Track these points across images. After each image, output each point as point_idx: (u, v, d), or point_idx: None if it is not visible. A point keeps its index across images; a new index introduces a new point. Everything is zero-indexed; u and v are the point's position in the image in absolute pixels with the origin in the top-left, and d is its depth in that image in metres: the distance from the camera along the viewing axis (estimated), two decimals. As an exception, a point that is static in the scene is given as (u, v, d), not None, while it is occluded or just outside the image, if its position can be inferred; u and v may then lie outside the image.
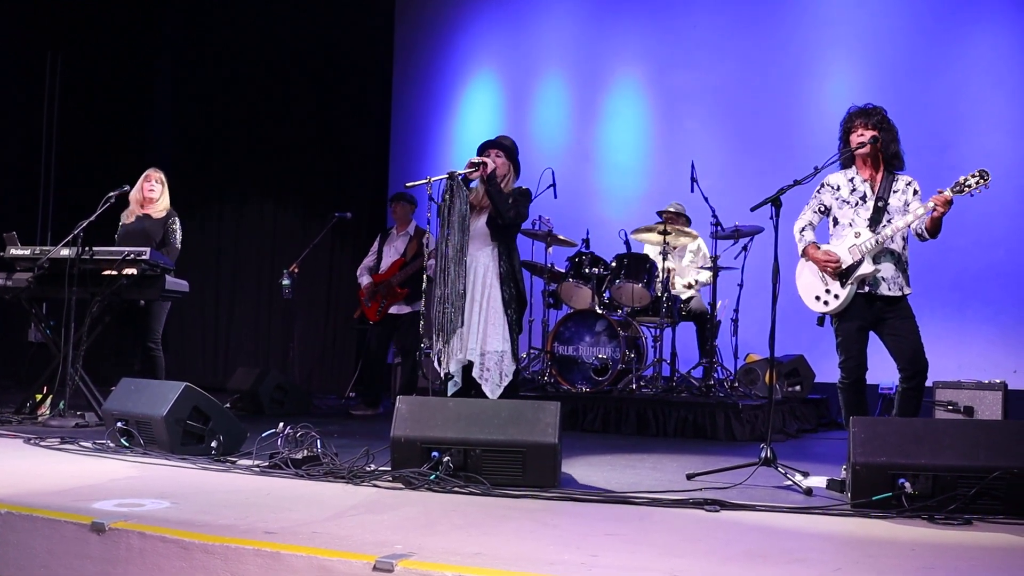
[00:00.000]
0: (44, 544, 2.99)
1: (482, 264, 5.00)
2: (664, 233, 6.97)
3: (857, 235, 4.37)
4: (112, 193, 6.17)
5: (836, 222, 4.50)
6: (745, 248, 7.20)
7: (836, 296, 4.40)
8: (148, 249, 5.88)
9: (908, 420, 3.98)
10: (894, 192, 4.40)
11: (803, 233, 4.55)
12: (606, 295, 7.23)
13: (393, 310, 7.54)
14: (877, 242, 4.32)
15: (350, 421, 6.99)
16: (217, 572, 2.71)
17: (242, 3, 10.68)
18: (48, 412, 5.85)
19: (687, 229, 7.28)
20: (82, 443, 4.74)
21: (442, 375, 4.92)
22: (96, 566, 2.89)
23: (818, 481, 4.11)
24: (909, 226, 4.35)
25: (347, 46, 10.41)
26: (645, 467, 4.75)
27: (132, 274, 5.83)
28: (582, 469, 4.51)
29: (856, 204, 4.43)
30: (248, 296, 10.67)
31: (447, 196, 4.79)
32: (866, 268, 4.34)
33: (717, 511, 3.46)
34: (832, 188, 4.51)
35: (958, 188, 4.21)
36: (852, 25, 8.53)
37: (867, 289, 4.37)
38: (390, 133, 10.67)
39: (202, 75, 10.89)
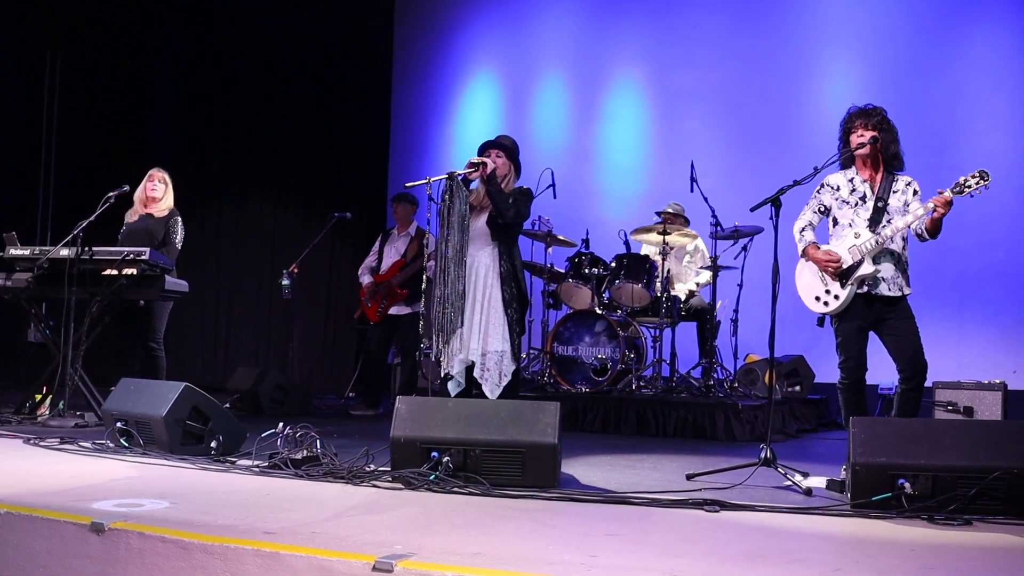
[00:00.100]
0: (43, 544, 2.99)
1: (483, 264, 4.99)
2: (664, 233, 6.97)
3: (857, 235, 4.37)
4: (112, 193, 6.17)
5: (836, 222, 4.50)
6: (745, 248, 7.19)
7: (836, 297, 4.39)
8: (147, 249, 5.88)
9: (908, 420, 3.98)
10: (894, 192, 4.40)
11: (803, 233, 4.55)
12: (606, 295, 7.23)
13: (393, 311, 7.54)
14: (877, 242, 4.32)
15: (350, 421, 6.99)
16: (216, 572, 2.70)
17: (242, 3, 10.68)
18: (48, 412, 5.85)
19: (686, 229, 7.28)
20: (81, 443, 4.74)
21: (442, 375, 4.93)
22: (95, 566, 2.89)
23: (818, 481, 4.11)
24: (909, 226, 4.35)
25: (347, 46, 10.41)
26: (645, 467, 4.75)
27: (132, 274, 5.83)
28: (582, 469, 4.51)
29: (856, 204, 4.43)
30: (248, 296, 10.67)
31: (447, 196, 4.79)
32: (866, 268, 4.33)
33: (717, 511, 3.46)
34: (832, 188, 4.51)
35: (958, 189, 4.20)
36: (852, 25, 8.53)
37: (866, 289, 4.36)
38: (390, 133, 10.67)
39: (202, 75, 10.89)
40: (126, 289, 5.90)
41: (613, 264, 7.14)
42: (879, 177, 4.44)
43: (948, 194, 4.19)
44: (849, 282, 4.36)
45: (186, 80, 10.99)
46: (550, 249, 7.68)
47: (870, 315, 4.39)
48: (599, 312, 6.96)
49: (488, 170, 4.95)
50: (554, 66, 9.91)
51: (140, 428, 4.59)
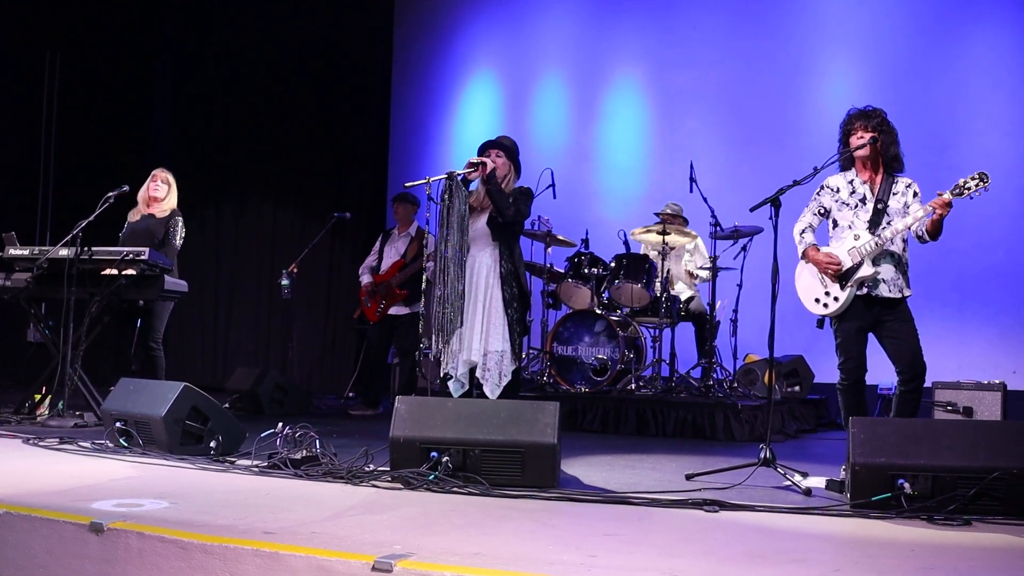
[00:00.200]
0: (43, 544, 2.98)
1: (484, 265, 4.99)
2: (663, 234, 6.97)
3: (857, 237, 4.37)
4: (111, 193, 6.17)
5: (835, 224, 4.50)
6: (744, 248, 7.20)
7: (836, 299, 4.39)
8: (147, 249, 5.88)
9: (907, 420, 3.98)
10: (894, 194, 4.40)
11: (803, 235, 4.54)
12: (605, 295, 7.23)
13: (392, 311, 7.54)
14: (877, 244, 4.32)
15: (349, 421, 6.99)
16: (216, 572, 2.70)
17: (242, 3, 10.68)
18: (47, 412, 5.85)
19: (686, 229, 7.28)
20: (81, 443, 4.73)
21: (441, 375, 4.93)
22: (95, 566, 2.89)
23: (817, 481, 4.11)
24: (909, 228, 4.35)
25: (347, 46, 10.41)
26: (644, 467, 4.75)
27: (131, 274, 5.83)
28: (581, 469, 4.51)
29: (856, 206, 4.43)
30: (247, 296, 10.67)
31: (446, 196, 4.79)
32: (866, 270, 4.33)
33: (716, 511, 3.46)
34: (832, 190, 4.51)
35: (957, 191, 4.20)
36: (852, 25, 8.53)
37: (866, 291, 4.36)
38: (389, 133, 10.68)
39: (202, 75, 10.89)
40: (125, 289, 5.90)
41: (613, 264, 7.14)
42: (879, 179, 4.43)
43: (947, 196, 4.19)
44: (849, 284, 4.36)
45: (186, 80, 10.99)
46: (550, 249, 7.68)
47: (870, 316, 4.39)
48: (599, 312, 6.96)
49: (488, 170, 4.95)
50: (554, 66, 9.91)
51: (139, 428, 4.59)
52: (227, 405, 5.79)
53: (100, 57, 10.34)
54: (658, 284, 6.98)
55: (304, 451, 4.17)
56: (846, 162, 4.50)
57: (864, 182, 4.45)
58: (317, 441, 4.22)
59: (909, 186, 4.43)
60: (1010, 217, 7.64)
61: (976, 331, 7.73)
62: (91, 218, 5.98)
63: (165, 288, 6.04)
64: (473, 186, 5.08)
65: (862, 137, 4.37)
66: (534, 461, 3.82)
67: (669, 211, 7.59)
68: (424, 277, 5.02)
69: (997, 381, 6.66)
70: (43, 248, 6.03)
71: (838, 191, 4.49)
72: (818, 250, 4.46)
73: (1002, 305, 7.75)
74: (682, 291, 7.46)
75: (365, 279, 7.69)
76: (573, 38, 9.84)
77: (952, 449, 3.48)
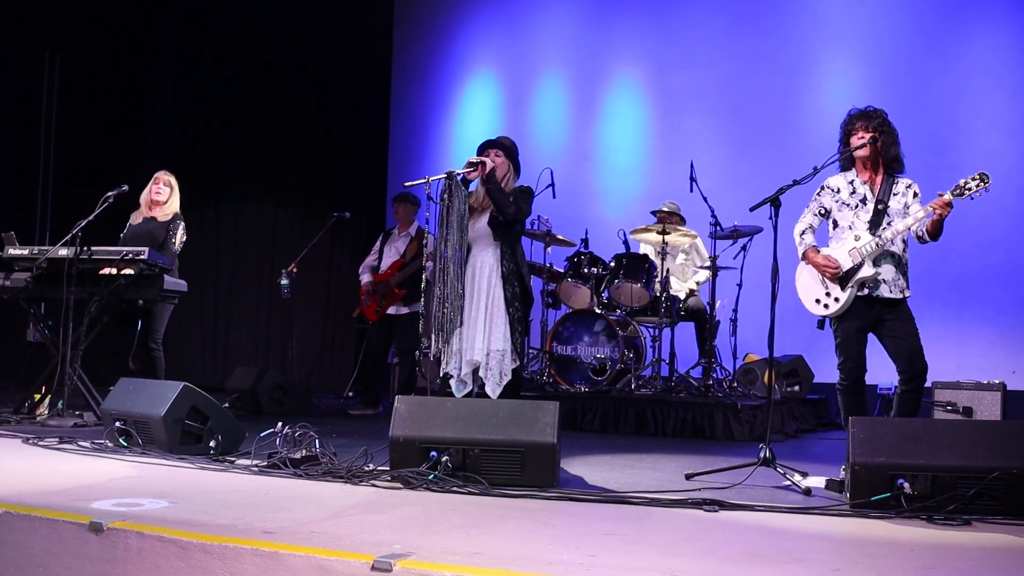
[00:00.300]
0: (42, 544, 2.98)
1: (487, 264, 4.99)
2: (663, 233, 6.97)
3: (857, 238, 4.37)
4: (110, 193, 6.17)
5: (836, 224, 4.49)
6: (744, 248, 7.19)
7: (836, 299, 4.39)
8: (146, 249, 5.88)
9: (907, 420, 3.98)
10: (894, 195, 4.39)
11: (803, 236, 4.54)
12: (605, 295, 7.23)
13: (391, 310, 7.54)
14: (877, 245, 4.31)
15: (349, 421, 6.99)
16: (215, 572, 2.70)
17: (242, 3, 10.68)
18: (46, 412, 5.85)
19: (685, 229, 7.28)
20: (80, 443, 4.73)
21: (441, 374, 4.93)
22: (94, 566, 2.88)
23: (817, 481, 4.11)
24: (909, 229, 4.35)
25: (347, 46, 10.41)
26: (644, 467, 4.75)
27: (130, 274, 5.83)
28: (581, 469, 4.51)
29: (856, 207, 4.43)
30: (247, 296, 10.67)
31: (445, 196, 4.79)
32: (866, 271, 4.33)
33: (716, 511, 3.46)
34: (832, 191, 4.51)
35: (958, 191, 4.20)
36: (852, 25, 8.53)
37: (867, 291, 4.36)
38: (389, 133, 10.68)
39: (202, 75, 10.88)
40: (125, 289, 5.90)
41: (612, 264, 7.14)
42: (879, 179, 4.43)
43: (948, 196, 4.19)
44: (849, 285, 4.36)
45: (186, 80, 10.99)
46: (549, 249, 7.68)
47: (870, 316, 4.39)
48: (598, 312, 6.96)
49: (487, 169, 4.95)
50: (553, 66, 9.91)
51: (139, 428, 4.59)
52: (227, 405, 5.79)
53: (100, 57, 10.34)
54: (657, 284, 6.98)
55: (304, 451, 4.17)
56: (846, 162, 4.49)
57: (864, 182, 4.45)
58: (316, 441, 4.22)
59: (909, 187, 4.43)
60: (1010, 217, 7.64)
61: (976, 331, 7.73)
62: (90, 217, 5.98)
63: (164, 288, 6.04)
64: (473, 186, 5.08)
65: (863, 137, 4.36)
66: (533, 461, 3.81)
67: (666, 209, 7.59)
68: (424, 276, 5.02)
69: (997, 381, 6.65)
70: (42, 248, 6.03)
71: (838, 191, 4.48)
72: (818, 252, 4.46)
73: (1002, 305, 7.74)
74: (679, 290, 7.46)
75: (365, 278, 7.69)
76: (573, 38, 9.83)
77: (952, 449, 3.48)
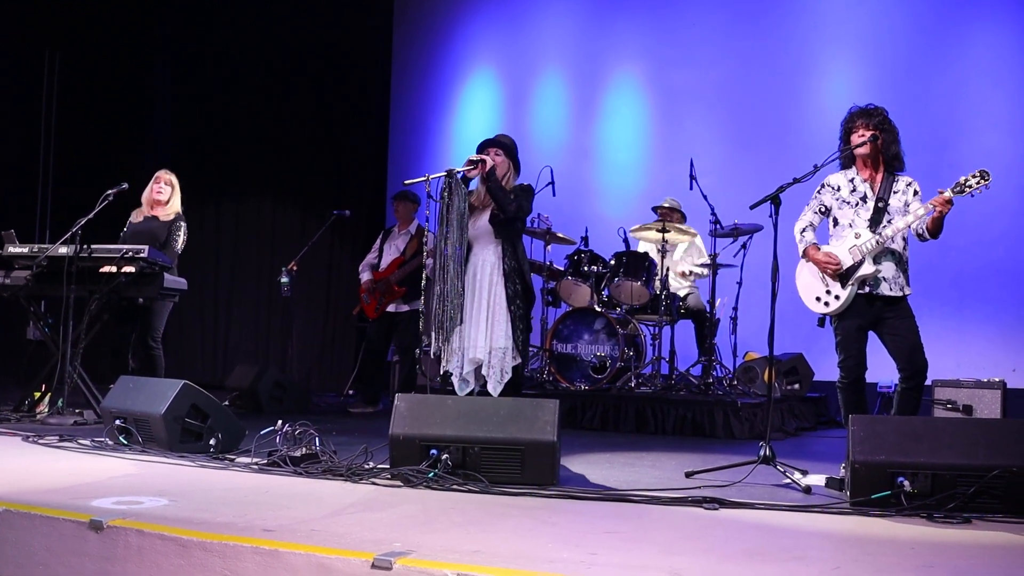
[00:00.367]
0: (42, 542, 2.99)
1: (488, 263, 4.99)
2: (663, 231, 6.96)
3: (857, 236, 4.37)
4: (110, 191, 6.17)
5: (836, 222, 4.49)
6: (744, 246, 7.19)
7: (837, 297, 4.39)
8: (146, 247, 5.88)
9: (907, 418, 3.98)
10: (894, 193, 4.40)
11: (804, 234, 4.54)
12: (605, 293, 7.23)
13: (391, 308, 7.54)
14: (878, 242, 4.31)
15: (349, 419, 6.98)
16: (215, 570, 2.70)
17: (242, 3, 10.67)
18: (47, 410, 5.85)
19: (685, 227, 7.27)
20: (80, 441, 4.74)
21: (441, 372, 4.93)
22: (94, 564, 2.88)
23: (817, 479, 4.11)
24: (910, 226, 4.35)
25: (347, 46, 10.41)
26: (644, 465, 4.75)
27: (130, 272, 5.83)
28: (581, 467, 4.51)
29: (856, 205, 4.43)
30: (247, 294, 10.67)
31: (445, 194, 4.79)
32: (867, 269, 4.33)
33: (716, 509, 3.46)
34: (832, 188, 4.51)
35: (958, 188, 4.20)
36: (852, 24, 8.53)
37: (868, 289, 4.36)
38: (389, 132, 10.68)
39: (202, 75, 10.88)
40: (125, 287, 5.90)
41: (612, 262, 7.14)
42: (879, 177, 4.43)
43: (948, 194, 4.19)
44: (850, 282, 4.36)
45: (185, 80, 10.98)
46: (549, 247, 7.68)
47: (870, 314, 4.39)
48: (598, 310, 6.96)
49: (487, 167, 4.95)
50: (553, 64, 9.91)
51: (139, 426, 4.59)
52: (227, 403, 5.79)
53: (100, 56, 10.34)
54: (658, 282, 6.98)
55: (304, 449, 4.18)
56: (847, 160, 4.49)
57: (865, 180, 4.45)
58: (317, 439, 4.23)
59: (909, 184, 4.43)
60: (1010, 215, 7.64)
61: (976, 329, 7.73)
62: (90, 216, 5.98)
63: (164, 286, 6.05)
64: (473, 184, 5.08)
65: (863, 135, 4.37)
66: (534, 459, 3.81)
67: (667, 205, 7.58)
68: (424, 274, 5.02)
69: (997, 379, 6.66)
70: (42, 246, 6.04)
71: (839, 189, 4.48)
72: (818, 249, 4.46)
73: (1002, 303, 7.75)
74: (677, 288, 7.45)
75: (365, 276, 7.70)
76: (572, 36, 9.83)
77: (952, 447, 3.48)
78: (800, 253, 4.55)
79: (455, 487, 3.70)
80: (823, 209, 4.54)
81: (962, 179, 4.21)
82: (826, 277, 4.42)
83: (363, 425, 6.39)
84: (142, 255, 5.82)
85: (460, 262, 4.80)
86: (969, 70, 8.02)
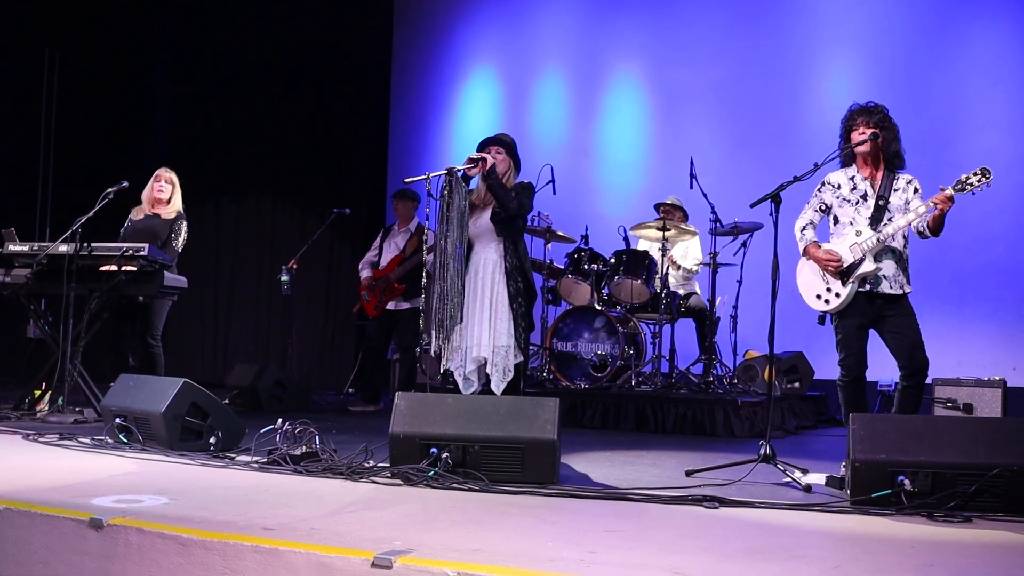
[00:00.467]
0: (43, 540, 2.98)
1: (490, 261, 5.00)
2: (663, 230, 6.96)
3: (858, 233, 4.37)
4: (111, 189, 6.17)
5: (836, 220, 4.49)
6: (744, 244, 7.19)
7: (837, 295, 4.39)
8: (146, 245, 5.88)
9: (908, 417, 3.97)
10: (895, 191, 4.39)
11: (804, 232, 4.54)
12: (605, 291, 7.23)
13: (390, 306, 7.54)
14: (878, 240, 4.31)
15: (349, 417, 6.98)
16: (215, 568, 2.70)
17: (242, 3, 10.67)
18: (47, 408, 5.85)
19: (686, 225, 7.27)
20: (80, 439, 4.74)
21: (441, 371, 4.93)
22: (94, 562, 2.88)
23: (817, 478, 4.10)
24: (910, 224, 4.34)
25: (347, 46, 10.41)
26: (644, 463, 4.75)
27: (130, 270, 5.83)
28: (581, 465, 4.51)
29: (857, 203, 4.42)
30: (247, 293, 10.67)
31: (445, 192, 4.79)
32: (867, 266, 4.33)
33: (716, 508, 3.46)
34: (833, 187, 4.50)
35: (960, 186, 4.20)
36: (852, 23, 8.53)
37: (868, 287, 4.36)
38: (389, 131, 10.68)
39: (201, 75, 10.88)
40: (125, 285, 5.90)
41: (612, 260, 7.14)
42: (880, 175, 4.43)
43: (949, 191, 4.19)
44: (850, 280, 4.36)
45: (185, 80, 10.98)
46: (549, 245, 7.68)
47: (871, 312, 4.39)
48: (598, 308, 6.96)
49: (487, 166, 4.95)
50: (553, 63, 9.91)
51: (139, 424, 4.59)
52: (227, 401, 5.79)
53: (100, 56, 10.34)
54: (658, 280, 6.98)
55: (304, 447, 4.17)
56: (847, 158, 4.49)
57: (865, 178, 4.44)
58: (317, 437, 4.22)
59: (910, 182, 4.42)
60: (1010, 213, 7.64)
61: (976, 327, 7.73)
62: (90, 214, 5.98)
63: (164, 284, 6.05)
64: (474, 183, 5.08)
65: (863, 133, 4.36)
66: (534, 457, 3.81)
67: (669, 202, 7.58)
68: (424, 272, 5.01)
69: (997, 377, 6.65)
70: (43, 244, 6.04)
71: (839, 187, 4.48)
72: (819, 247, 4.46)
73: (1002, 301, 7.74)
74: (677, 286, 7.45)
75: (365, 274, 7.70)
76: (572, 35, 9.83)
77: (952, 446, 3.47)
78: (801, 251, 4.55)
79: (455, 486, 3.70)
80: (823, 207, 4.54)
81: (963, 177, 4.20)
82: (827, 275, 4.42)
83: (363, 423, 6.39)
84: (142, 253, 5.81)
85: (460, 260, 4.80)
86: (969, 69, 8.02)
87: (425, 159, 10.13)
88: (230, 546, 2.70)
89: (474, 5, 10.44)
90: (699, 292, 7.63)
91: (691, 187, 7.07)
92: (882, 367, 4.80)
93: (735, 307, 7.24)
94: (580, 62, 9.75)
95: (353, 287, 8.65)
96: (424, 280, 4.94)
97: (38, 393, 6.02)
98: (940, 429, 3.56)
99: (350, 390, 9.00)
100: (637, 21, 9.46)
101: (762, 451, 4.21)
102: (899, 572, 2.61)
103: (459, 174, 4.85)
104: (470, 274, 4.97)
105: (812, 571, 2.58)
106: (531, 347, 7.71)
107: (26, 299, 6.20)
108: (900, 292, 4.37)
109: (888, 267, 4.36)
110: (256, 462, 4.14)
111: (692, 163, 7.09)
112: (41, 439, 4.78)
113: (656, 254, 7.07)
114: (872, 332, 4.45)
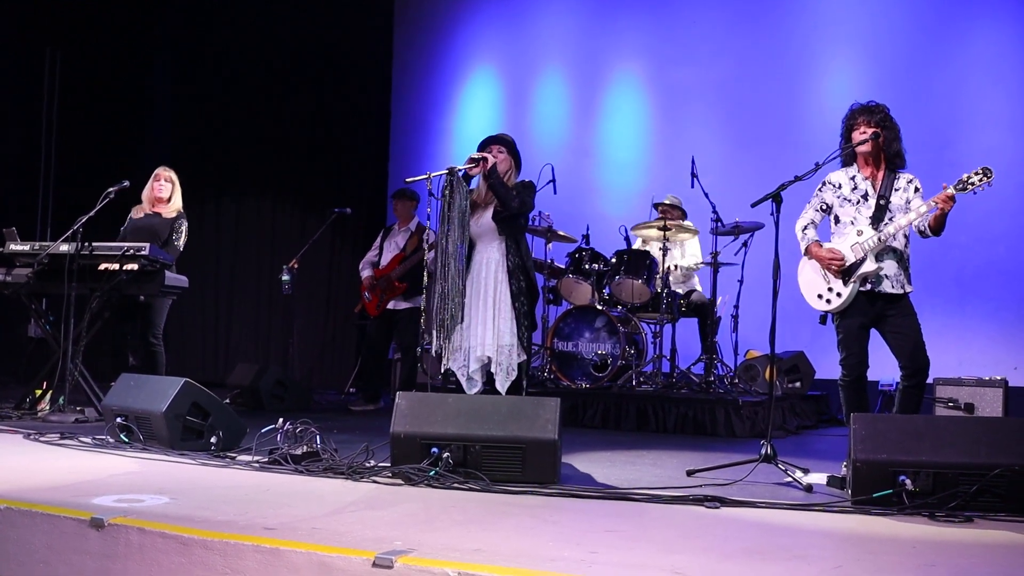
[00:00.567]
0: (43, 540, 2.98)
1: (492, 260, 5.00)
2: (664, 229, 6.96)
3: (859, 233, 4.36)
4: (111, 189, 6.17)
5: (837, 220, 4.49)
6: (745, 244, 7.19)
7: (839, 294, 4.39)
8: (147, 245, 5.88)
9: (909, 417, 3.97)
10: (896, 190, 4.39)
11: (805, 232, 4.54)
12: (606, 291, 7.23)
13: (391, 305, 7.53)
14: (879, 240, 4.31)
15: (350, 417, 6.99)
16: (216, 568, 2.70)
17: (242, 3, 10.67)
18: (48, 408, 5.86)
19: (686, 224, 7.26)
20: (81, 439, 4.74)
21: (442, 370, 4.92)
22: (95, 562, 2.88)
23: (818, 478, 4.10)
24: (911, 224, 4.34)
25: (347, 46, 10.41)
26: (645, 463, 4.75)
27: (131, 270, 5.84)
28: (582, 465, 4.51)
29: (858, 202, 4.42)
30: (248, 293, 10.67)
31: (446, 192, 4.79)
32: (869, 266, 4.33)
33: (717, 508, 3.46)
34: (833, 186, 4.50)
35: (961, 186, 4.19)
36: (852, 22, 8.52)
37: (869, 287, 4.36)
38: (389, 131, 10.68)
39: (201, 74, 10.88)
40: (126, 285, 5.91)
41: (613, 260, 7.13)
42: (881, 175, 4.42)
43: (951, 190, 4.19)
44: (852, 280, 4.35)
45: (185, 79, 10.98)
46: (550, 245, 7.68)
47: (872, 312, 4.38)
48: (599, 308, 6.96)
49: (488, 165, 4.95)
50: (554, 62, 9.91)
51: (140, 423, 4.59)
52: (228, 401, 5.79)
53: (100, 56, 10.34)
54: (659, 280, 6.97)
55: (304, 447, 4.17)
56: (848, 158, 4.48)
57: (866, 178, 4.44)
58: (317, 437, 4.22)
59: (911, 182, 4.42)
60: (1011, 213, 7.64)
61: (977, 327, 7.73)
62: (91, 213, 5.99)
63: (165, 284, 6.05)
64: (475, 182, 5.08)
65: (864, 132, 4.35)
66: (535, 457, 3.81)
67: (668, 202, 7.57)
68: (425, 271, 5.01)
69: (998, 377, 6.65)
70: (44, 243, 6.05)
71: (840, 187, 4.48)
72: (821, 246, 4.45)
73: (1003, 301, 7.74)
74: (676, 286, 7.45)
75: (365, 273, 7.70)
76: (573, 34, 9.83)
77: (954, 446, 3.47)
78: (802, 251, 4.54)
79: (456, 485, 3.70)
80: (824, 207, 4.53)
81: (965, 176, 4.20)
82: (828, 274, 4.41)
83: (364, 423, 6.39)
84: (143, 253, 5.82)
85: (461, 260, 4.80)
86: (969, 68, 8.02)
87: (425, 159, 10.13)
88: (231, 546, 2.70)
89: (474, 5, 10.44)
90: (700, 289, 7.62)
91: (692, 186, 7.06)
92: (883, 367, 4.80)
93: (736, 307, 7.24)
94: (581, 62, 9.75)
95: (354, 287, 8.65)
96: (425, 279, 4.94)
97: (39, 392, 6.02)
98: (941, 429, 3.56)
99: (351, 390, 9.00)
100: (637, 21, 9.46)
101: (763, 451, 4.21)
102: (900, 572, 2.61)
103: (460, 174, 4.85)
104: (472, 273, 4.97)
105: (813, 571, 2.58)
106: (533, 347, 7.75)
107: (27, 298, 6.21)
108: (901, 292, 4.36)
109: (889, 267, 4.35)
110: (257, 462, 4.14)
111: (693, 162, 7.08)
112: (42, 438, 4.79)
113: (657, 254, 7.06)
114: (873, 332, 4.45)
